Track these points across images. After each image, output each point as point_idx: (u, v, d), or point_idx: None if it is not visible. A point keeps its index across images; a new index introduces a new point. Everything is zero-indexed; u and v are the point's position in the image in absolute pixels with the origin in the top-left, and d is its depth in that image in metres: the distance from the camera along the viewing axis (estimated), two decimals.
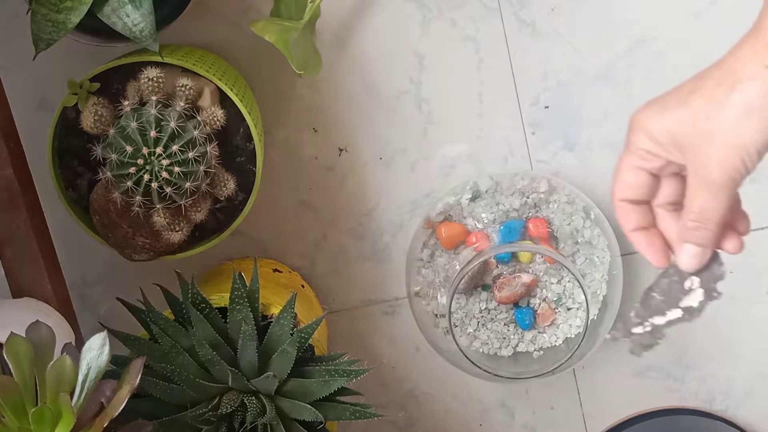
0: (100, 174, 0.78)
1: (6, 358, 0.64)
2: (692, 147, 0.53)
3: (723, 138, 0.51)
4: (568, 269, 0.87)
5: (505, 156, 0.97)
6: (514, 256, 0.90)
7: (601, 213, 0.91)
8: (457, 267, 0.90)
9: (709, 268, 0.57)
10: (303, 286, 0.97)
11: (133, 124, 0.77)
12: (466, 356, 0.89)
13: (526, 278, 0.89)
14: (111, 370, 0.70)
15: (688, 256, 0.57)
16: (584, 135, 0.96)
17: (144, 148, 0.77)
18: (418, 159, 0.97)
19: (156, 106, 0.77)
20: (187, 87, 0.79)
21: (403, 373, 1.03)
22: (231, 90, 0.82)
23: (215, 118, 0.80)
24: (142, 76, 0.79)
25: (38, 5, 0.75)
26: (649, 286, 0.59)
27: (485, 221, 0.90)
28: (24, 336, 0.66)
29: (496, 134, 0.96)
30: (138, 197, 0.78)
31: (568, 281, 0.91)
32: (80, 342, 0.79)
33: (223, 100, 0.83)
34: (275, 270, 0.96)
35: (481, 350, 0.93)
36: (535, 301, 0.92)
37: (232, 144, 0.85)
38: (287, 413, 0.78)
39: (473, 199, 0.91)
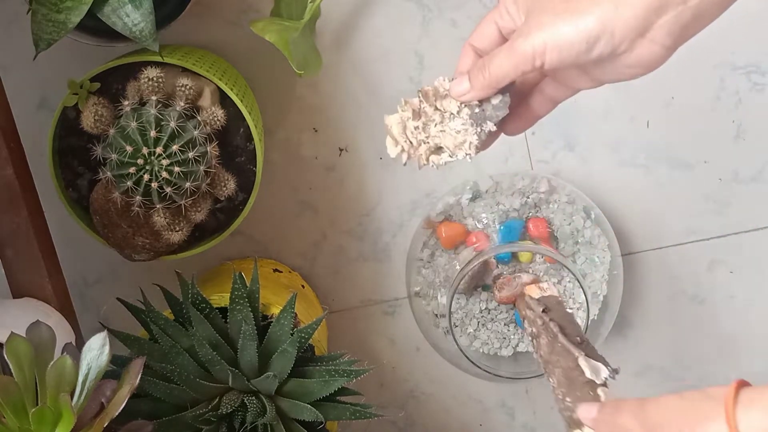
0: (100, 174, 0.78)
1: (6, 358, 0.64)
2: (528, 15, 0.59)
3: (546, 29, 0.57)
4: (568, 269, 0.87)
5: (505, 156, 0.96)
6: (514, 256, 0.90)
7: (602, 213, 0.91)
8: (457, 267, 0.90)
9: (484, 106, 0.62)
10: (303, 286, 0.97)
11: (133, 124, 0.77)
12: (466, 356, 0.89)
13: (526, 278, 0.89)
14: (111, 370, 0.70)
15: (457, 84, 0.63)
16: (584, 135, 0.96)
17: (144, 148, 0.77)
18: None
19: (156, 106, 0.77)
20: (187, 87, 0.79)
21: (403, 373, 1.03)
22: (231, 90, 0.82)
23: (215, 118, 0.80)
24: (142, 76, 0.79)
25: (38, 5, 0.75)
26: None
27: (485, 221, 0.90)
28: (24, 336, 0.66)
29: None
30: (138, 197, 0.78)
31: (569, 281, 0.91)
32: (80, 342, 0.79)
33: (223, 100, 0.83)
34: (275, 270, 0.96)
35: (481, 350, 0.93)
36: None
37: (232, 144, 0.85)
38: (287, 413, 0.78)
39: (473, 199, 0.91)
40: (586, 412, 0.66)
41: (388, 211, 0.98)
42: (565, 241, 0.90)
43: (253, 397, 0.78)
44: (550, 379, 0.70)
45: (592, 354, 0.68)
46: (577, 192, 0.91)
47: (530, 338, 0.75)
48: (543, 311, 0.73)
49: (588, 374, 0.67)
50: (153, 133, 0.76)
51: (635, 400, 0.62)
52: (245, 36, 0.92)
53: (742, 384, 0.55)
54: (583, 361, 0.67)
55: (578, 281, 0.86)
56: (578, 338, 0.70)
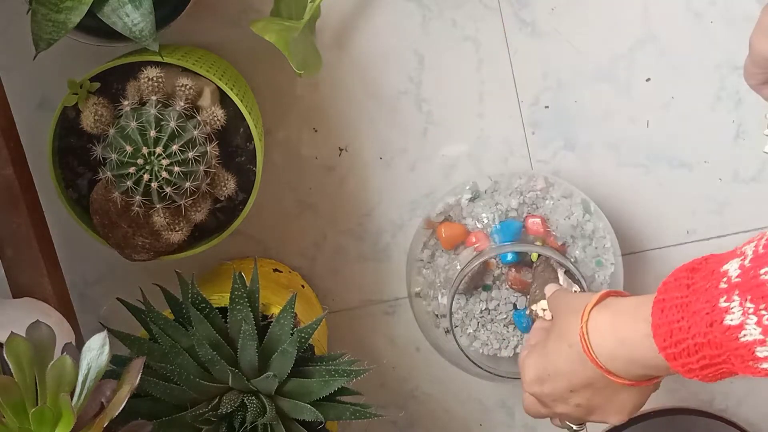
0: (100, 174, 0.78)
1: (6, 358, 0.64)
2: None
3: None
4: (568, 269, 0.87)
5: (505, 156, 0.97)
6: (519, 254, 0.90)
7: (600, 211, 0.91)
8: (458, 267, 0.90)
9: None
10: (303, 286, 0.97)
11: (133, 124, 0.77)
12: (466, 356, 0.89)
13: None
14: (111, 370, 0.70)
15: None
16: (584, 135, 0.96)
17: (144, 147, 0.77)
18: (418, 159, 0.97)
19: (156, 106, 0.77)
20: (187, 87, 0.79)
21: (403, 373, 1.03)
22: (231, 90, 0.82)
23: (215, 118, 0.80)
24: (142, 75, 0.79)
25: (38, 5, 0.75)
26: None
27: (485, 221, 0.90)
28: (24, 336, 0.66)
29: (496, 134, 0.96)
30: (138, 197, 0.78)
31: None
32: (80, 342, 0.79)
33: (223, 99, 0.83)
34: (275, 270, 0.96)
35: (481, 350, 0.93)
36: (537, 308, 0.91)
37: (232, 144, 0.85)
38: (287, 413, 0.78)
39: (473, 199, 0.91)
40: (548, 290, 0.82)
41: (388, 211, 0.98)
42: (564, 238, 0.90)
43: (253, 397, 0.78)
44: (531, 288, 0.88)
45: (571, 278, 0.87)
46: (573, 188, 0.91)
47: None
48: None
49: (561, 281, 0.85)
50: (153, 133, 0.76)
51: (561, 290, 0.80)
52: (245, 36, 0.92)
53: (611, 293, 0.68)
54: (561, 275, 0.86)
55: (579, 282, 0.86)
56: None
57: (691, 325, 0.57)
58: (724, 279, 0.55)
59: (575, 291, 0.84)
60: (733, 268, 0.55)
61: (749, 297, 0.53)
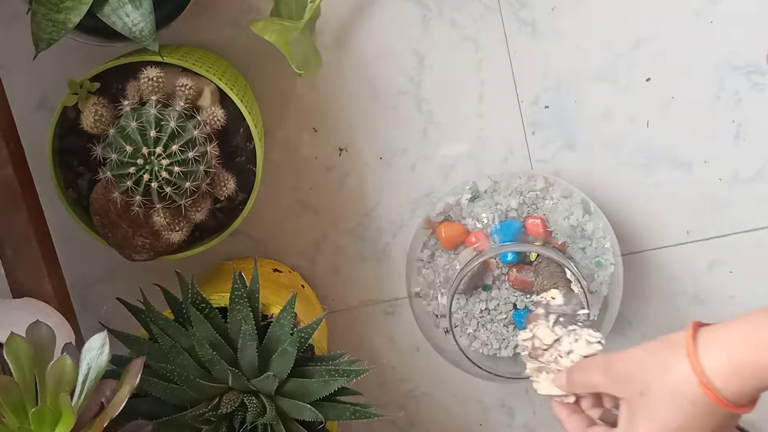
0: (100, 174, 0.78)
1: (6, 358, 0.64)
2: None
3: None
4: (568, 269, 0.87)
5: (505, 156, 0.97)
6: (518, 254, 0.90)
7: (600, 211, 0.91)
8: (458, 267, 0.90)
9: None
10: (303, 286, 0.97)
11: (133, 124, 0.77)
12: (466, 356, 0.89)
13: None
14: (111, 370, 0.70)
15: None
16: (584, 135, 0.96)
17: (144, 147, 0.77)
18: (418, 159, 0.97)
19: (156, 106, 0.77)
20: (187, 87, 0.79)
21: (403, 373, 1.03)
22: (231, 90, 0.82)
23: (215, 118, 0.80)
24: (142, 75, 0.79)
25: (38, 5, 0.75)
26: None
27: (485, 221, 0.90)
28: (24, 336, 0.66)
29: (496, 134, 0.96)
30: (138, 197, 0.78)
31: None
32: (80, 342, 0.79)
33: (223, 99, 0.83)
34: (275, 270, 0.96)
35: (481, 350, 0.93)
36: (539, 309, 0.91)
37: (232, 144, 0.85)
38: (287, 413, 0.78)
39: (473, 199, 0.91)
40: (557, 381, 0.71)
41: (388, 211, 0.98)
42: (564, 238, 0.90)
43: (253, 397, 0.78)
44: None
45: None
46: (573, 188, 0.91)
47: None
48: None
49: (569, 275, 0.85)
50: (153, 133, 0.76)
51: (601, 357, 0.67)
52: (245, 36, 0.92)
53: (698, 325, 0.59)
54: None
55: (579, 282, 0.86)
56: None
57: None
58: None
59: (597, 351, 0.75)
60: None
61: None
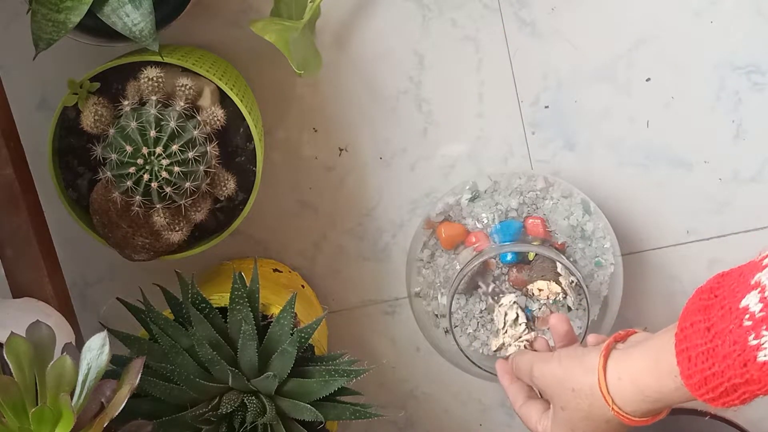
0: (100, 174, 0.79)
1: (6, 358, 0.64)
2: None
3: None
4: (568, 269, 0.87)
5: (505, 156, 0.97)
6: (518, 254, 0.90)
7: (600, 211, 0.91)
8: (458, 267, 0.90)
9: None
10: (303, 286, 0.97)
11: (133, 124, 0.77)
12: (466, 356, 0.89)
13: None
14: (111, 370, 0.70)
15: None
16: (584, 135, 0.96)
17: (144, 147, 0.77)
18: (418, 159, 0.97)
19: (156, 106, 0.77)
20: (187, 87, 0.79)
21: (403, 373, 1.03)
22: (231, 90, 0.82)
23: (215, 118, 0.80)
24: (142, 75, 0.79)
25: (38, 5, 0.75)
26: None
27: (485, 221, 0.90)
28: (24, 336, 0.66)
29: (496, 134, 0.96)
30: (138, 197, 0.78)
31: (571, 280, 0.91)
32: (80, 342, 0.79)
33: (223, 99, 0.83)
34: (275, 270, 0.96)
35: (481, 350, 0.93)
36: (534, 305, 0.91)
37: (232, 144, 0.85)
38: (287, 413, 0.78)
39: (473, 199, 0.91)
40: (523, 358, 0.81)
41: (388, 211, 0.98)
42: (564, 238, 0.90)
43: (253, 397, 0.78)
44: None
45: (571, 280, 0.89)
46: (573, 188, 0.91)
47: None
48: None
49: (559, 269, 0.88)
50: (153, 133, 0.76)
51: (530, 360, 0.78)
52: (245, 36, 0.92)
53: (611, 347, 0.69)
54: (559, 265, 0.88)
55: (579, 282, 0.86)
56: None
57: (725, 369, 0.56)
58: (747, 316, 0.55)
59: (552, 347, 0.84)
60: (753, 302, 0.55)
61: None
